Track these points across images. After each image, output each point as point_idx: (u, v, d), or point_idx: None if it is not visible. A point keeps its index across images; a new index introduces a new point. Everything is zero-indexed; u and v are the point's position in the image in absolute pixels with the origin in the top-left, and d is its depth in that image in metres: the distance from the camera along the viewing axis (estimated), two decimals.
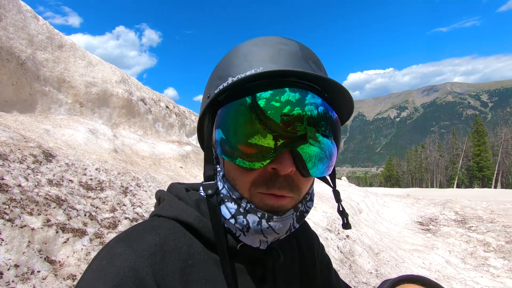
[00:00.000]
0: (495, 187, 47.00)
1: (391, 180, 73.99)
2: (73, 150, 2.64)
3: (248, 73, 0.47)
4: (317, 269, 0.71)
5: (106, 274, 0.41)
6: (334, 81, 0.47)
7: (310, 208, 0.57)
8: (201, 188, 0.63)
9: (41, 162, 2.06)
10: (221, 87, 0.49)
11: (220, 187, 0.53)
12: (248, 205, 0.49)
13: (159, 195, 0.62)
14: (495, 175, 49.77)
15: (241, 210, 0.50)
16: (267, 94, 0.45)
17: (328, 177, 0.63)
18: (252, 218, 0.49)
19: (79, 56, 4.16)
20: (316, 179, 0.59)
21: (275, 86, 0.46)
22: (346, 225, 0.61)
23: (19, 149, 2.06)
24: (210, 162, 0.53)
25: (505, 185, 49.58)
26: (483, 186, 46.93)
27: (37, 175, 1.91)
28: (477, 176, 50.55)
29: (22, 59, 3.27)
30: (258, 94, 0.46)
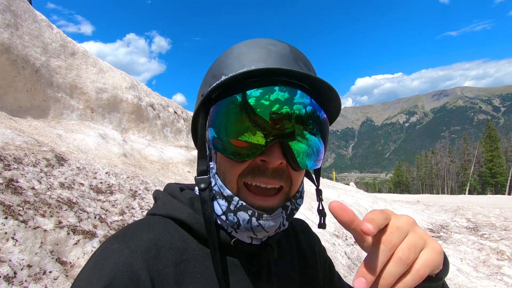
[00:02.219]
0: (509, 193, 45.69)
1: (400, 186, 72.78)
2: (84, 155, 2.71)
3: (240, 71, 0.49)
4: (318, 271, 0.71)
5: (101, 270, 0.43)
6: (321, 80, 0.49)
7: (300, 206, 0.58)
8: (196, 187, 0.63)
9: (53, 165, 2.12)
10: (214, 84, 0.51)
11: (213, 183, 0.55)
12: (240, 203, 0.51)
13: (155, 195, 0.64)
14: (509, 181, 48.42)
15: (232, 207, 0.51)
16: (257, 93, 0.47)
17: (313, 174, 0.65)
18: (242, 216, 0.50)
19: (90, 63, 4.28)
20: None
21: (266, 84, 0.48)
22: (322, 225, 0.62)
23: (33, 153, 2.12)
24: (203, 157, 0.55)
25: None
26: (496, 193, 45.69)
27: (50, 178, 1.96)
28: (490, 182, 49.30)
29: (37, 66, 3.39)
30: (248, 93, 0.48)
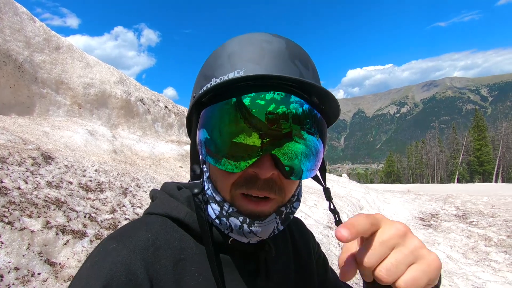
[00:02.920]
0: (496, 181, 47.01)
1: (391, 176, 74.08)
2: (72, 152, 2.64)
3: (230, 75, 0.47)
4: (313, 267, 0.72)
5: (99, 270, 0.42)
6: (317, 85, 0.46)
7: (297, 209, 0.57)
8: None
9: (40, 164, 2.06)
10: (205, 87, 0.49)
11: (206, 187, 0.54)
12: (231, 209, 0.50)
13: (153, 194, 0.64)
14: (495, 169, 49.79)
15: (224, 212, 0.51)
16: (251, 92, 0.45)
17: (318, 174, 0.62)
18: (234, 222, 0.50)
19: (76, 58, 4.15)
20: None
21: (259, 89, 0.46)
22: (338, 222, 0.60)
23: (18, 151, 2.06)
24: (196, 161, 0.53)
25: (506, 179, 49.60)
26: (484, 181, 46.96)
27: (36, 177, 1.91)
28: (477, 170, 50.59)
29: (19, 61, 3.26)
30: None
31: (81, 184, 2.13)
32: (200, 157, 0.54)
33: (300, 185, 0.57)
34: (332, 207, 0.61)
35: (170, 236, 0.52)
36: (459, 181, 50.71)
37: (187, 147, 4.79)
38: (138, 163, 3.36)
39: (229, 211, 0.50)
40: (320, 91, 0.48)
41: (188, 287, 0.49)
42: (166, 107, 5.75)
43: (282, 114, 0.45)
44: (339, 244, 3.61)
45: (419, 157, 67.24)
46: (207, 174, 0.55)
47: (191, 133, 0.55)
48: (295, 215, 0.66)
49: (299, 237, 0.74)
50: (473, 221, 6.90)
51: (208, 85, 0.49)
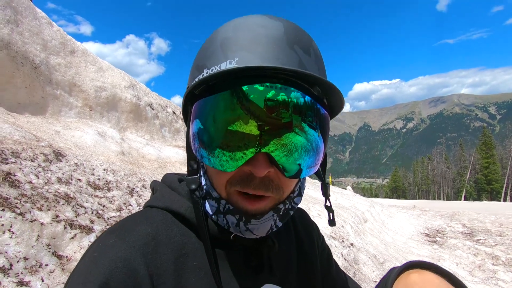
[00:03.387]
0: (505, 200, 45.96)
1: (397, 192, 72.97)
2: (82, 151, 2.70)
3: (222, 65, 0.44)
4: (317, 260, 0.70)
5: (98, 266, 0.41)
6: (316, 76, 0.42)
7: (298, 204, 0.54)
8: None
9: (51, 161, 2.11)
10: (197, 79, 0.46)
11: (203, 182, 0.53)
12: (227, 206, 0.49)
13: (153, 186, 0.62)
14: (504, 188, 48.74)
15: (221, 209, 0.50)
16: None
17: (319, 168, 0.57)
18: (230, 219, 0.49)
19: (90, 62, 4.28)
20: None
21: (253, 81, 0.42)
22: (332, 222, 0.59)
23: (31, 147, 2.12)
24: (193, 157, 0.51)
25: None
26: (491, 200, 45.95)
27: (47, 173, 1.95)
28: (485, 189, 49.60)
29: (36, 63, 3.38)
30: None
31: (90, 182, 2.17)
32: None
33: (299, 181, 0.54)
34: (328, 204, 0.59)
35: (171, 231, 0.50)
36: (466, 199, 49.74)
37: None
38: (145, 165, 3.41)
39: (225, 209, 0.49)
40: (320, 82, 0.44)
41: (189, 282, 0.47)
42: (174, 113, 5.84)
43: (282, 102, 0.41)
44: (342, 255, 3.57)
45: (425, 173, 66.32)
46: (204, 169, 0.53)
47: (187, 125, 0.53)
48: (299, 206, 0.63)
49: (303, 229, 0.72)
50: (480, 239, 6.75)
51: (200, 77, 0.46)
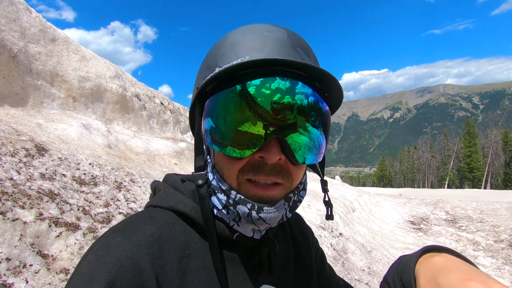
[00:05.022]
0: (485, 187, 47.85)
1: (383, 180, 74.80)
2: (66, 145, 2.61)
3: (234, 62, 0.47)
4: (312, 262, 0.72)
5: (103, 265, 0.41)
6: (321, 69, 0.47)
7: (303, 197, 0.57)
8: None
9: (33, 156, 2.03)
10: (208, 77, 0.48)
11: (211, 178, 0.53)
12: (238, 196, 0.49)
13: (155, 186, 0.62)
14: (485, 176, 50.67)
15: (231, 201, 0.50)
16: (257, 81, 0.45)
17: (317, 166, 0.63)
18: (242, 210, 0.49)
19: (72, 50, 4.10)
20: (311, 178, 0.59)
21: (263, 75, 0.46)
22: (329, 216, 0.62)
23: (11, 142, 2.03)
24: (200, 153, 0.53)
25: (494, 186, 50.51)
26: (473, 187, 47.76)
27: (30, 168, 1.88)
28: (467, 177, 51.41)
29: (14, 51, 3.21)
30: (248, 82, 0.45)
31: (75, 177, 2.10)
32: (204, 147, 0.54)
33: (305, 174, 0.57)
34: (327, 199, 0.62)
35: (175, 231, 0.51)
36: (449, 187, 51.48)
37: (182, 145, 4.77)
38: (132, 158, 3.34)
39: (236, 199, 0.50)
40: (324, 76, 0.48)
41: (193, 282, 0.48)
42: (162, 103, 5.71)
43: (287, 104, 0.45)
44: (331, 245, 3.64)
45: (411, 162, 68.06)
46: (211, 165, 0.54)
47: (195, 124, 0.54)
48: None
49: (299, 232, 0.74)
50: (462, 225, 7.02)
51: (212, 74, 0.48)
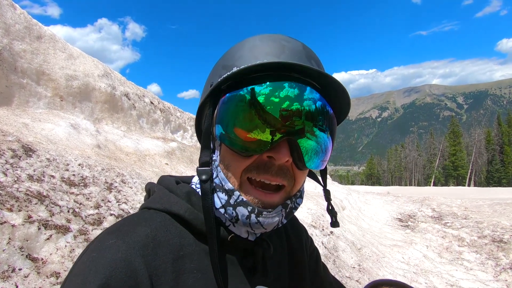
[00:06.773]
0: (469, 185, 49.28)
1: (372, 179, 76.05)
2: (54, 145, 2.55)
3: (253, 63, 0.49)
4: (305, 261, 0.72)
5: (97, 266, 0.41)
6: (334, 79, 0.49)
7: (299, 205, 0.58)
8: (192, 180, 0.63)
9: (20, 156, 1.98)
10: (225, 75, 0.50)
11: (214, 175, 0.54)
12: (240, 198, 0.50)
13: (149, 188, 0.62)
14: (469, 174, 52.19)
15: (232, 202, 0.51)
16: (266, 90, 0.47)
17: (319, 177, 0.66)
18: (241, 212, 0.50)
19: (59, 48, 4.00)
20: (307, 178, 0.61)
21: (278, 78, 0.48)
22: (334, 224, 0.63)
23: None
24: (207, 148, 0.54)
25: (478, 184, 52.08)
26: (458, 184, 49.09)
27: (17, 170, 1.83)
28: (452, 174, 52.83)
29: None
30: (257, 90, 0.47)
31: (64, 178, 2.06)
32: (212, 145, 0.55)
33: (304, 182, 0.59)
34: (330, 208, 0.63)
35: (169, 233, 0.51)
36: (435, 184, 52.77)
37: (173, 144, 4.73)
38: (122, 158, 3.29)
39: (237, 200, 0.50)
40: (335, 87, 0.51)
41: (187, 284, 0.48)
42: (151, 103, 5.64)
43: (295, 111, 0.47)
44: (322, 243, 3.68)
45: (398, 161, 69.45)
46: (216, 163, 0.55)
47: (205, 120, 0.55)
48: None
49: (292, 231, 0.74)
50: (448, 222, 7.21)
51: (229, 73, 0.50)
